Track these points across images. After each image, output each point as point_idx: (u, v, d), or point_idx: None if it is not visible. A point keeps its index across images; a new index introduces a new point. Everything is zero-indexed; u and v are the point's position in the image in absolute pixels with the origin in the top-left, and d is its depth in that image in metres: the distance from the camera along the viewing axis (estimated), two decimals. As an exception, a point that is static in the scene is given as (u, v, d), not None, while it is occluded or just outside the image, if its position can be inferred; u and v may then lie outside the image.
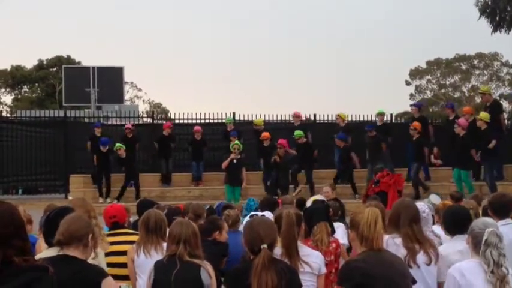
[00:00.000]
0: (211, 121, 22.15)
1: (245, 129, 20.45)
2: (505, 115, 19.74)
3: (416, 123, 18.23)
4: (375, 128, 19.07)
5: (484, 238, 4.52)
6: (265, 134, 18.81)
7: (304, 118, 21.35)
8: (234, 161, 17.38)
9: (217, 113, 22.11)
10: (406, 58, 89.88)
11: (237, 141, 17.87)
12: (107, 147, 18.49)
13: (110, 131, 20.78)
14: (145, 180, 19.40)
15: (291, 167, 18.41)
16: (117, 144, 18.51)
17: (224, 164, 17.62)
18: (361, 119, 22.38)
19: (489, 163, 16.62)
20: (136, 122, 23.45)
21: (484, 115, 16.89)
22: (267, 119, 21.61)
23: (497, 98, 53.06)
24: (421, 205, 6.02)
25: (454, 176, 16.89)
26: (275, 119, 22.10)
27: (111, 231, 6.78)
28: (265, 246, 4.42)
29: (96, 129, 19.57)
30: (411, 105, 19.99)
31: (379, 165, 16.90)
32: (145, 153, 20.61)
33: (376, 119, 20.15)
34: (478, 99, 52.64)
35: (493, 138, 16.46)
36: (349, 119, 22.17)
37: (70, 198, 16.99)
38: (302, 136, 18.45)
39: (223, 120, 21.16)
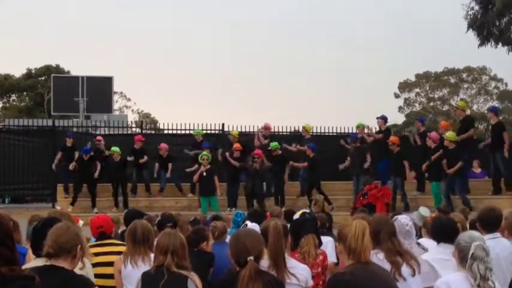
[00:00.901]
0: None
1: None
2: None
3: (393, 138, 18.31)
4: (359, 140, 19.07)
5: (471, 252, 4.54)
6: (237, 145, 18.86)
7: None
8: (204, 173, 17.30)
9: (206, 124, 22.12)
10: (395, 71, 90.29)
11: (205, 152, 17.78)
12: (89, 156, 18.52)
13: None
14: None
15: (266, 177, 18.56)
16: (113, 148, 18.56)
17: (195, 178, 17.58)
18: (339, 130, 22.55)
19: (459, 181, 16.62)
20: (125, 132, 23.43)
21: (450, 135, 16.88)
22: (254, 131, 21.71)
23: (485, 111, 53.47)
24: (404, 218, 6.06)
25: (433, 190, 17.02)
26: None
27: (98, 242, 6.75)
28: (251, 258, 4.41)
29: (68, 140, 19.50)
30: (377, 118, 19.91)
31: (367, 177, 16.91)
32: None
33: (356, 131, 20.04)
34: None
35: (460, 159, 16.49)
36: (329, 131, 22.44)
37: (58, 207, 16.91)
38: (278, 148, 18.54)
39: (213, 131, 21.19)
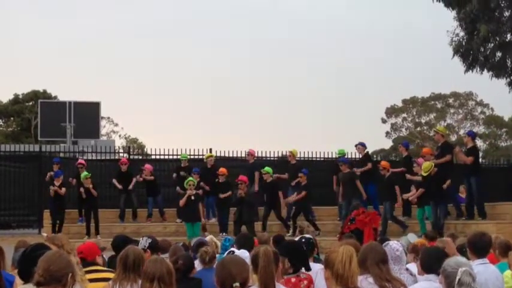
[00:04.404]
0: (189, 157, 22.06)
1: (222, 164, 20.34)
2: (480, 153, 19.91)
3: (384, 163, 18.56)
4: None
5: (457, 278, 4.53)
6: (222, 170, 18.83)
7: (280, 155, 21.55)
8: (192, 197, 17.28)
9: (194, 149, 22.11)
10: (382, 96, 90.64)
11: (191, 178, 17.79)
12: (60, 180, 18.42)
13: (86, 166, 20.66)
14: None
15: (255, 202, 18.54)
16: (85, 173, 18.46)
17: (182, 202, 17.47)
18: (326, 156, 22.67)
19: (436, 203, 16.66)
20: (112, 157, 23.38)
21: (424, 167, 16.90)
22: (242, 155, 21.77)
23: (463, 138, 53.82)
24: (394, 244, 6.05)
25: (418, 215, 17.06)
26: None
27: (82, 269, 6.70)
28: (237, 284, 4.39)
29: (55, 165, 19.39)
30: (356, 145, 20.07)
31: (356, 202, 16.89)
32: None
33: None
34: (453, 137, 53.32)
35: (446, 179, 16.63)
36: (323, 156, 22.48)
37: (44, 234, 16.79)
38: (270, 173, 18.52)
39: (202, 156, 21.18)
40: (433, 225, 16.26)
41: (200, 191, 18.24)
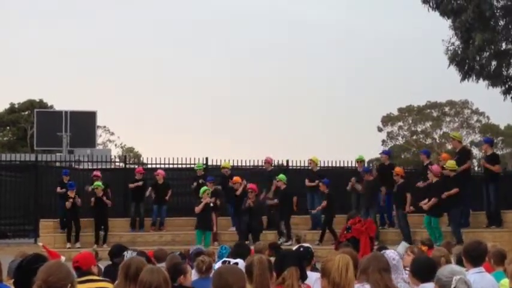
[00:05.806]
0: (184, 166, 22.05)
1: (218, 174, 20.35)
2: (475, 162, 19.82)
3: (398, 169, 18.34)
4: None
5: (453, 286, 4.51)
6: (236, 178, 18.81)
7: (275, 164, 21.48)
8: (211, 204, 17.29)
9: (190, 158, 22.09)
10: (378, 105, 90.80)
11: (206, 187, 17.80)
12: (74, 192, 18.39)
13: (82, 176, 20.63)
14: (116, 225, 19.30)
15: (265, 212, 18.54)
16: (96, 183, 18.43)
17: (198, 209, 17.47)
18: (337, 164, 22.53)
19: (454, 211, 16.60)
20: (108, 167, 23.33)
21: (449, 164, 16.85)
22: (240, 164, 21.71)
23: (468, 144, 53.91)
24: (391, 252, 6.04)
25: (425, 222, 16.94)
26: (248, 164, 22.09)
27: (77, 279, 6.67)
28: (234, 294, 4.39)
29: (65, 177, 19.34)
30: (380, 153, 20.09)
31: (352, 211, 16.86)
32: (116, 198, 20.32)
33: (356, 165, 20.09)
34: (449, 146, 53.33)
35: (454, 187, 16.45)
36: (326, 164, 22.37)
37: (40, 243, 16.72)
38: (284, 180, 18.46)
39: (193, 165, 21.20)
40: (454, 235, 16.12)
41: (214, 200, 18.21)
